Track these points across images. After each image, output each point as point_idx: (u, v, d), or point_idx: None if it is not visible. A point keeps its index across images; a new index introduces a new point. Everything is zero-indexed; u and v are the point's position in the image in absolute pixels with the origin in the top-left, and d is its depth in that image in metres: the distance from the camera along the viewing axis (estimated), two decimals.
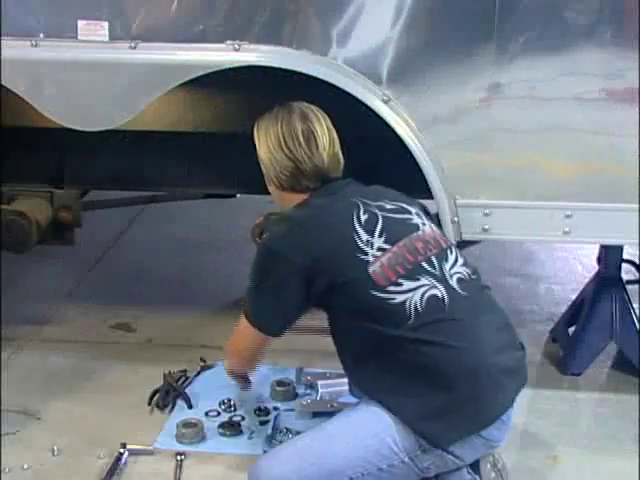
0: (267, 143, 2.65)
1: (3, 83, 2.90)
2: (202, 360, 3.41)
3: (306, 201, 2.63)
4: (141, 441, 2.89)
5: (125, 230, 4.85)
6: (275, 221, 2.80)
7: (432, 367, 2.42)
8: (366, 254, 2.47)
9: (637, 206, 2.90)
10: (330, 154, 2.63)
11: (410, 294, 2.44)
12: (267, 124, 2.67)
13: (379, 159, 3.59)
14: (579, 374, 3.38)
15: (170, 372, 3.28)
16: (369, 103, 2.87)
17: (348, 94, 2.87)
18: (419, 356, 2.42)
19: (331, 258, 2.48)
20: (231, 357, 2.77)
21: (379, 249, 2.48)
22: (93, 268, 4.34)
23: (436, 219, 2.87)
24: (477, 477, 2.54)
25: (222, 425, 3.00)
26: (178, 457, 2.82)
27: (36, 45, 2.87)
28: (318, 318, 2.64)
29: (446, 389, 2.40)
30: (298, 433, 2.94)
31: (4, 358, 3.39)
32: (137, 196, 4.36)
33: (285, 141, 2.60)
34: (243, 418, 3.06)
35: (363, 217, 2.52)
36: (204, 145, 3.70)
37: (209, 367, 3.39)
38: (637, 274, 3.85)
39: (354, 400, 2.97)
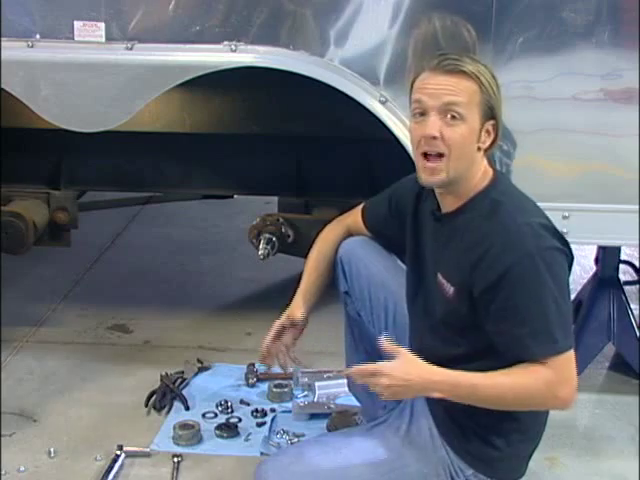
0: None
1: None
2: (199, 361, 3.41)
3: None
4: (138, 443, 2.88)
5: (122, 231, 4.84)
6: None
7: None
8: None
9: (635, 207, 2.90)
10: None
11: None
12: None
13: (376, 160, 3.59)
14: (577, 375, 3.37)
15: (167, 373, 3.27)
16: (366, 104, 2.86)
17: (345, 95, 2.86)
18: None
19: None
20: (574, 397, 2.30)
21: None
22: (90, 269, 4.33)
23: None
24: None
25: (219, 427, 2.99)
26: (175, 459, 2.81)
27: (32, 46, 2.86)
28: None
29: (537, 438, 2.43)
30: (295, 435, 2.94)
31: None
32: (134, 197, 4.38)
33: None
34: (240, 420, 3.06)
35: None
36: (201, 146, 3.70)
37: (206, 368, 3.38)
38: (635, 275, 3.85)
39: (352, 401, 2.97)
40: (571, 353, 2.20)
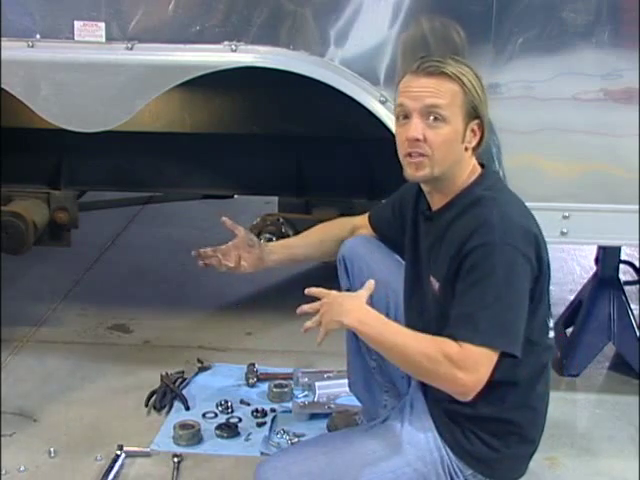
0: None
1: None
2: (199, 361, 3.41)
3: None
4: (138, 443, 2.88)
5: (122, 231, 4.84)
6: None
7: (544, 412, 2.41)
8: None
9: (635, 207, 2.90)
10: None
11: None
12: None
13: (376, 160, 3.59)
14: (577, 375, 3.37)
15: (167, 373, 3.27)
16: (366, 104, 2.86)
17: (345, 95, 2.86)
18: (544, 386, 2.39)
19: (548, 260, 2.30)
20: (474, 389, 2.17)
21: None
22: (90, 269, 4.33)
23: None
24: None
25: (219, 427, 2.99)
26: (175, 459, 2.81)
27: (32, 46, 2.86)
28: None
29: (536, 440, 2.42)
30: (295, 435, 2.94)
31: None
32: (134, 197, 4.37)
33: None
34: (240, 420, 3.05)
35: None
36: (201, 146, 3.70)
37: (206, 368, 3.38)
38: (635, 275, 3.85)
39: (352, 401, 2.97)
40: (491, 353, 2.13)
